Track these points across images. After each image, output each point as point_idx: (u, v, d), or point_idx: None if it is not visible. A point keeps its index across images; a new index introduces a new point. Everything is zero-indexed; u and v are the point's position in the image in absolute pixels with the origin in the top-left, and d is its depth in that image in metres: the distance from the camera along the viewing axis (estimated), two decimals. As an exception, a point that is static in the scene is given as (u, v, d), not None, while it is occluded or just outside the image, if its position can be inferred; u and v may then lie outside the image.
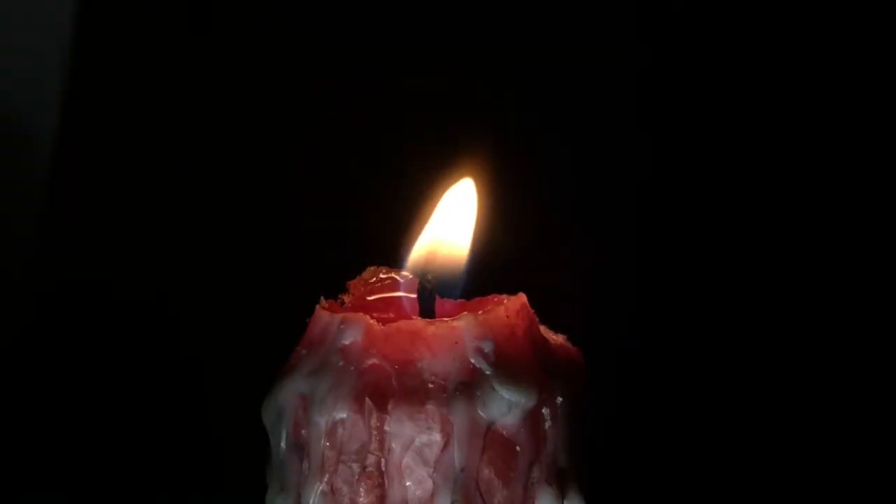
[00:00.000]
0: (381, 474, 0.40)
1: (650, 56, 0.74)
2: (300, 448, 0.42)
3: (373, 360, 0.41)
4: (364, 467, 0.41)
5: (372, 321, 0.41)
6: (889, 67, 0.72)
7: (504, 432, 0.41)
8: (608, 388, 0.46)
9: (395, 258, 0.46)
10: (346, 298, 0.44)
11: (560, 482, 0.41)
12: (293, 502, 0.42)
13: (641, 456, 0.67)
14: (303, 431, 0.41)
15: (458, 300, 0.45)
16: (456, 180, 0.47)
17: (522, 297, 0.43)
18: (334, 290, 0.44)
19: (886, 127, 0.72)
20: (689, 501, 0.68)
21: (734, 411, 0.70)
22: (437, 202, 0.46)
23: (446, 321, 0.41)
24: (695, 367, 0.71)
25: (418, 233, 0.46)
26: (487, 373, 0.41)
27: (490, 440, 0.40)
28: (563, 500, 0.41)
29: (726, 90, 0.73)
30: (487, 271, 0.46)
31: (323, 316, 0.43)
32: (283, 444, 0.42)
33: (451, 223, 0.46)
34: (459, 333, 0.41)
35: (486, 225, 0.47)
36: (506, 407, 0.40)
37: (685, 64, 0.73)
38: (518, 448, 0.41)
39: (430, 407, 0.40)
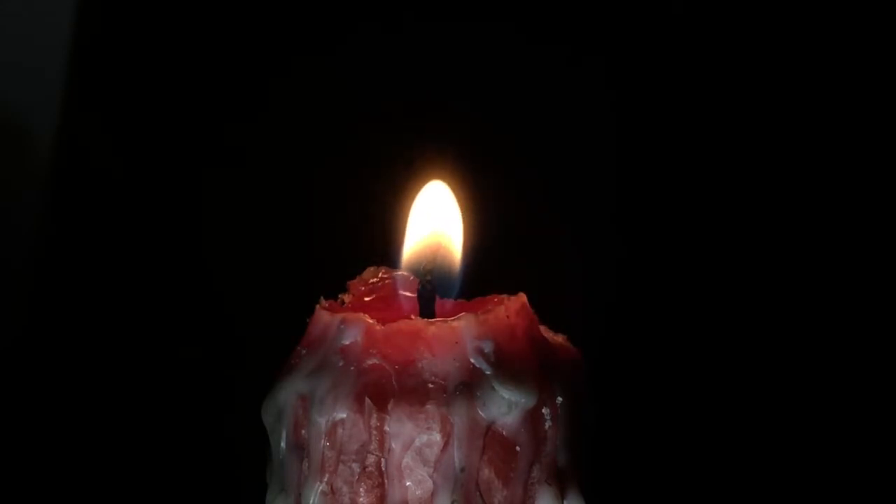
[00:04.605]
0: (381, 474, 0.40)
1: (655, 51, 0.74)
2: (300, 448, 0.42)
3: (373, 360, 0.41)
4: (364, 467, 0.41)
5: (372, 321, 0.41)
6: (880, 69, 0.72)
7: (504, 432, 0.41)
8: (608, 388, 0.46)
9: (392, 258, 0.46)
10: (346, 298, 0.44)
11: (560, 482, 0.41)
12: (293, 502, 0.42)
13: (641, 456, 0.67)
14: (303, 431, 0.41)
15: (458, 300, 0.45)
16: (428, 179, 0.46)
17: (522, 297, 0.43)
18: (334, 290, 0.44)
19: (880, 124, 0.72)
20: (689, 501, 0.68)
21: (734, 411, 0.70)
22: (413, 201, 0.46)
23: (446, 321, 0.41)
24: (695, 366, 0.71)
25: (405, 232, 0.46)
26: (487, 373, 0.41)
27: (490, 440, 0.40)
28: (563, 500, 0.41)
29: (725, 88, 0.73)
30: (486, 271, 0.46)
31: (323, 316, 0.42)
32: (283, 444, 0.42)
33: (437, 222, 0.46)
34: (459, 333, 0.41)
35: (482, 224, 0.47)
36: (506, 407, 0.40)
37: (685, 62, 0.74)
38: (518, 448, 0.41)
39: (430, 407, 0.40)
